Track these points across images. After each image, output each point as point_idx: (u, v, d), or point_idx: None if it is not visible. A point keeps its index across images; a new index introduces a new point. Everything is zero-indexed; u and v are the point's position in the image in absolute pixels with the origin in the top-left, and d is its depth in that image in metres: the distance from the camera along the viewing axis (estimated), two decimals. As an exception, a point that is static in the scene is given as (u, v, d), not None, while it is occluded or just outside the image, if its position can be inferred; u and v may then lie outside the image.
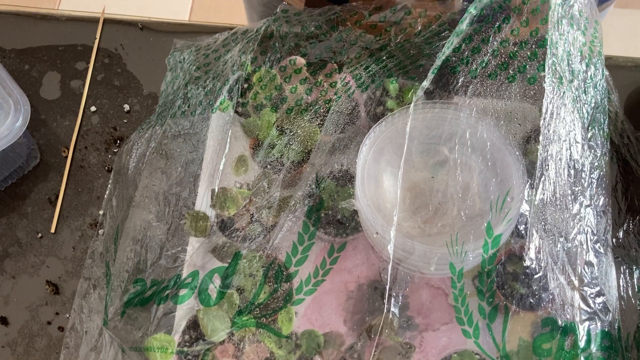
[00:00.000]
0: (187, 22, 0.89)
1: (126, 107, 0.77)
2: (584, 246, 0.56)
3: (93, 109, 0.77)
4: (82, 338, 0.65)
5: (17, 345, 0.66)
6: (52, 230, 0.71)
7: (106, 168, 0.74)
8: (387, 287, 0.57)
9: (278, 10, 0.71)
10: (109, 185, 0.71)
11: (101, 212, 0.71)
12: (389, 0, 0.70)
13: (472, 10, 0.58)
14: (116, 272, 0.65)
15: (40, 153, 0.74)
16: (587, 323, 0.55)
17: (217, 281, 0.63)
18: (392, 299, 0.58)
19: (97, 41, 0.80)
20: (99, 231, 0.70)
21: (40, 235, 0.71)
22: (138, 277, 0.64)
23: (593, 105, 0.59)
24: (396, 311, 0.58)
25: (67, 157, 0.74)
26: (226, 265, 0.63)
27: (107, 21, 0.81)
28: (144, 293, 0.63)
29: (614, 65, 0.77)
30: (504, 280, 0.60)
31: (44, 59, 0.80)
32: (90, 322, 0.65)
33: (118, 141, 0.75)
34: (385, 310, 0.58)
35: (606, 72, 0.60)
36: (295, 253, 0.64)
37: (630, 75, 0.76)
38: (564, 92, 0.57)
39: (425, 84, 0.59)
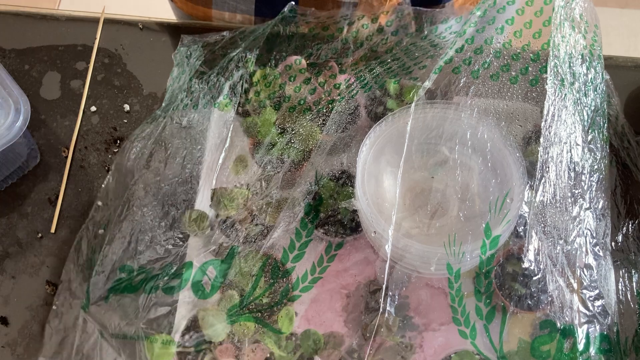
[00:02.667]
0: (187, 22, 0.89)
1: (126, 107, 0.77)
2: (583, 249, 0.56)
3: (93, 109, 0.77)
4: (62, 325, 0.65)
5: (17, 345, 0.66)
6: (52, 230, 0.71)
7: (106, 168, 0.74)
8: (384, 286, 0.57)
9: (285, 9, 0.71)
10: (108, 176, 0.70)
11: (100, 203, 0.71)
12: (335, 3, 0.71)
13: (477, 11, 0.58)
14: (102, 257, 0.64)
15: (40, 153, 0.74)
16: (586, 326, 0.55)
17: (211, 274, 0.63)
18: (389, 299, 0.58)
19: (97, 41, 0.80)
20: (99, 231, 0.70)
21: (40, 235, 0.71)
22: (126, 264, 0.64)
23: (593, 108, 0.59)
24: (392, 310, 0.58)
25: (67, 157, 0.74)
26: (221, 259, 0.63)
27: (107, 21, 0.81)
28: (130, 280, 0.63)
29: (614, 65, 0.77)
30: (502, 281, 0.60)
31: (44, 59, 0.79)
32: (71, 309, 0.65)
33: (118, 141, 0.75)
34: (381, 310, 0.58)
35: (607, 76, 0.60)
36: (292, 249, 0.64)
37: (630, 75, 0.76)
38: (565, 95, 0.57)
39: (427, 84, 0.59)
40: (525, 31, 0.59)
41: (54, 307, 0.66)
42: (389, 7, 0.70)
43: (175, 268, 0.64)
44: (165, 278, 0.63)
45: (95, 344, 0.62)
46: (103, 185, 0.70)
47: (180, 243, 0.66)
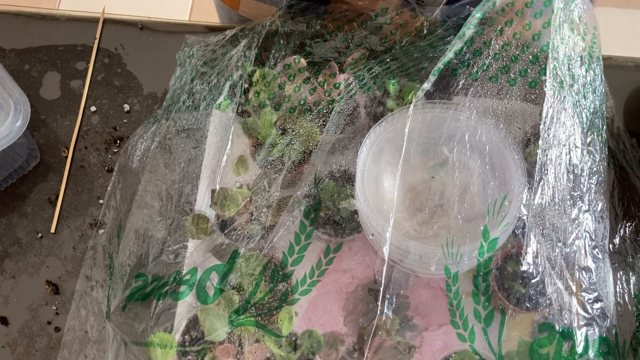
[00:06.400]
0: (187, 22, 0.89)
1: (126, 107, 0.77)
2: (582, 251, 0.56)
3: (93, 109, 0.77)
4: (83, 332, 0.65)
5: (17, 345, 0.66)
6: (52, 230, 0.71)
7: (106, 168, 0.74)
8: (382, 288, 0.57)
9: (284, 5, 0.71)
10: (113, 178, 0.71)
11: (106, 206, 0.71)
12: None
13: (477, 14, 0.58)
14: (119, 265, 0.65)
15: (40, 153, 0.74)
16: (584, 329, 0.55)
17: (214, 279, 0.63)
18: (387, 300, 0.58)
19: (97, 41, 0.80)
20: (99, 231, 0.70)
21: (40, 235, 0.71)
22: (140, 271, 0.64)
23: (592, 110, 0.59)
24: (389, 313, 0.58)
25: (67, 157, 0.74)
26: (224, 263, 0.64)
27: (107, 21, 0.81)
28: (145, 288, 0.63)
29: (614, 65, 0.77)
30: (500, 283, 0.60)
31: (44, 59, 0.80)
32: (93, 316, 0.65)
33: (118, 141, 0.75)
34: (378, 313, 0.58)
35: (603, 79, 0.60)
36: (291, 253, 0.64)
37: (630, 75, 0.76)
38: (564, 97, 0.57)
39: (426, 85, 0.59)
40: (524, 33, 0.59)
41: (69, 318, 0.66)
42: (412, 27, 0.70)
43: (181, 274, 0.64)
44: (173, 284, 0.63)
45: (119, 352, 0.62)
46: (109, 188, 0.70)
47: (189, 248, 0.66)
